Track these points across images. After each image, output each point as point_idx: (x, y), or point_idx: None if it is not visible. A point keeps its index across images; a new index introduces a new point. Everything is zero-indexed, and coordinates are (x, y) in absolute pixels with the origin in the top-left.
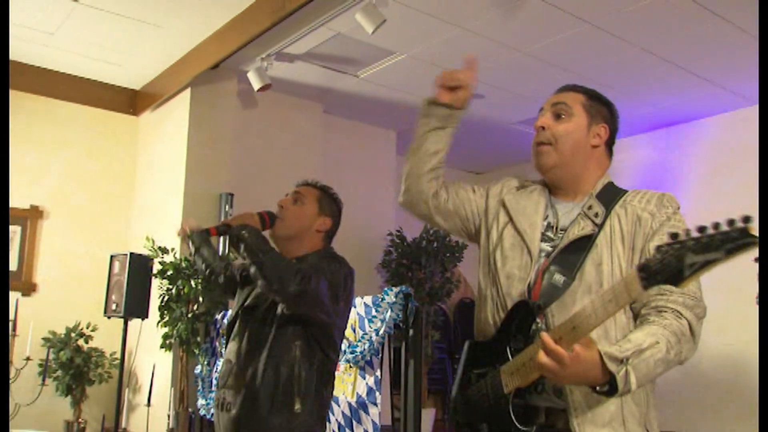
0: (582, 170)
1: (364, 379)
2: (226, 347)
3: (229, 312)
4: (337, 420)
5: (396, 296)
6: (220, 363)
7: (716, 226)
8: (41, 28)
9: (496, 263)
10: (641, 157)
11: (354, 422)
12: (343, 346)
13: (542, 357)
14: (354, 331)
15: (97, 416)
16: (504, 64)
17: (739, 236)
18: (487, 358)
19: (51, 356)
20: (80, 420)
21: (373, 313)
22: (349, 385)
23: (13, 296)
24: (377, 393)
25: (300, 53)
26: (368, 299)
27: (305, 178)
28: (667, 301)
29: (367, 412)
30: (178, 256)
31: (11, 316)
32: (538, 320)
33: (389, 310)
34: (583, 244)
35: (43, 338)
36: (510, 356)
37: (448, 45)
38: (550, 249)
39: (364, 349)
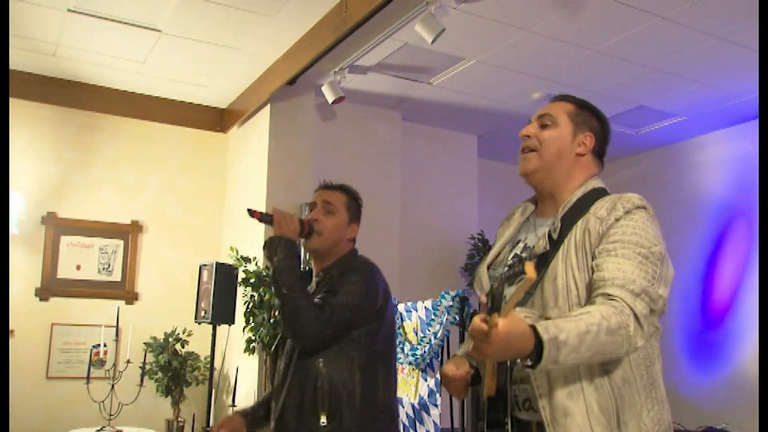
0: (565, 178)
1: (426, 381)
2: None
3: None
4: (401, 421)
5: (453, 300)
6: None
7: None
8: (133, 58)
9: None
10: (728, 152)
11: (417, 423)
12: (406, 349)
13: (471, 332)
14: (416, 334)
15: (196, 416)
16: (576, 63)
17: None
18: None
19: (151, 359)
20: (179, 419)
21: (432, 316)
22: (412, 386)
23: (117, 304)
24: (438, 395)
25: (372, 65)
26: (428, 303)
27: (384, 184)
28: (599, 290)
29: (428, 413)
30: (260, 264)
31: (113, 322)
32: None
33: (446, 314)
34: (543, 260)
35: (144, 343)
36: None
37: (515, 48)
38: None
39: (425, 352)
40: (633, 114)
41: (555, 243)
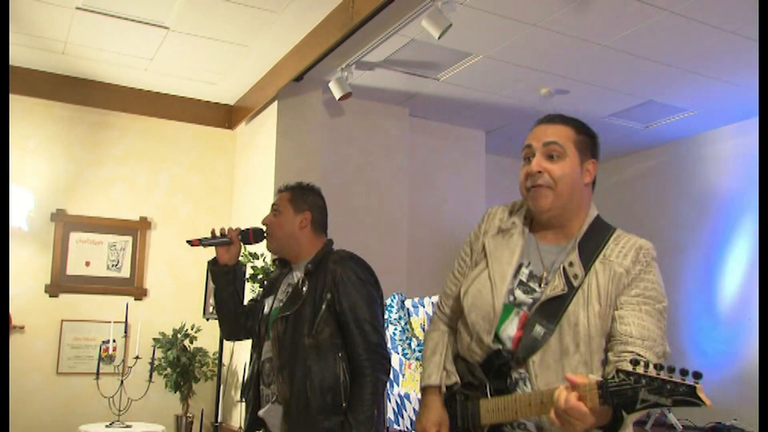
0: (576, 210)
1: None
2: None
3: None
4: (409, 416)
5: None
6: None
7: (671, 370)
8: (141, 55)
9: (463, 306)
10: (738, 146)
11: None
12: (413, 345)
13: (567, 410)
14: (423, 329)
15: (204, 411)
16: (584, 57)
17: (687, 392)
18: (470, 385)
19: (160, 355)
20: (188, 414)
21: None
22: (419, 382)
23: (126, 300)
24: None
25: (379, 61)
26: (435, 299)
27: (392, 180)
28: (626, 346)
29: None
30: (267, 261)
31: (123, 318)
32: (520, 370)
33: None
34: (561, 302)
35: (153, 339)
36: (489, 394)
37: (523, 43)
38: (531, 301)
39: None
40: (642, 109)
41: (571, 289)
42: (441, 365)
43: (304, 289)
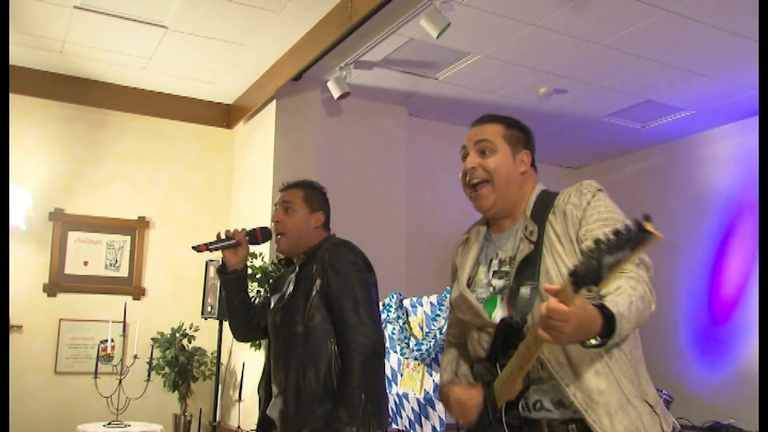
0: (517, 197)
1: (431, 376)
2: None
3: None
4: (407, 416)
5: None
6: None
7: (626, 227)
8: (139, 54)
9: (458, 326)
10: (736, 146)
11: (423, 418)
12: (411, 344)
13: (548, 314)
14: (421, 328)
15: (202, 411)
16: (583, 57)
17: (638, 233)
18: (483, 376)
19: (158, 355)
20: (186, 414)
21: (437, 311)
22: (417, 381)
23: (124, 300)
24: None
25: (377, 60)
26: (433, 298)
27: (390, 179)
28: None
29: (434, 408)
30: (266, 260)
31: (121, 318)
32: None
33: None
34: (531, 262)
35: (151, 338)
36: (500, 371)
37: (521, 43)
38: (507, 282)
39: (430, 347)
40: (640, 108)
41: (535, 244)
42: (452, 370)
43: (298, 278)
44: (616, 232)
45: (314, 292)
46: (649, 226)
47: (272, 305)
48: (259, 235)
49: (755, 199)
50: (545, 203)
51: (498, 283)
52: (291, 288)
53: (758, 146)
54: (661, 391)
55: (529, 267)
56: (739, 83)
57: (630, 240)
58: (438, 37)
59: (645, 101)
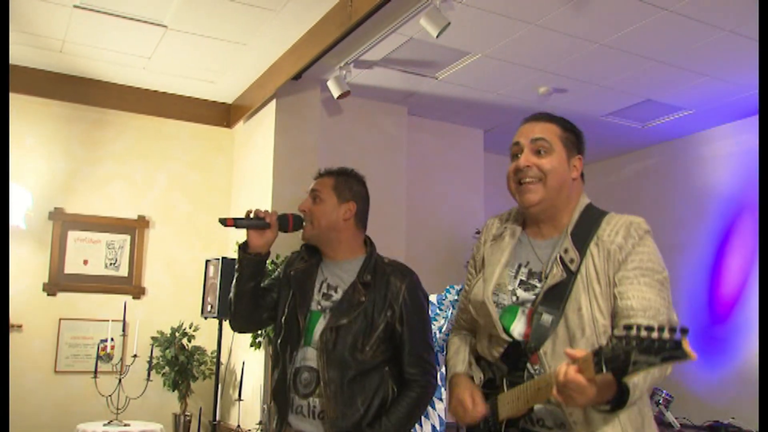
0: (565, 203)
1: None
2: None
3: None
4: None
5: (458, 294)
6: None
7: (660, 330)
8: (139, 53)
9: (470, 312)
10: (736, 145)
11: (423, 417)
12: None
13: (565, 383)
14: None
15: (202, 410)
16: (582, 56)
17: (672, 348)
18: (491, 382)
19: (158, 354)
20: (186, 413)
21: (437, 311)
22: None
23: (124, 299)
24: (443, 389)
25: (377, 59)
26: (433, 298)
27: (390, 178)
28: (629, 319)
29: (434, 408)
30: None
31: (121, 317)
32: (536, 366)
33: (451, 308)
34: (562, 289)
35: (151, 337)
36: (505, 388)
37: (521, 42)
38: (533, 297)
39: None
40: (640, 108)
41: (570, 273)
42: (466, 360)
43: (362, 299)
44: (650, 330)
45: (382, 325)
46: (685, 344)
47: (303, 309)
48: (291, 221)
49: (755, 198)
50: (589, 224)
51: (523, 295)
52: (345, 304)
53: (758, 146)
54: (661, 390)
55: (558, 294)
56: (739, 83)
57: (662, 351)
58: (438, 36)
59: (644, 101)
